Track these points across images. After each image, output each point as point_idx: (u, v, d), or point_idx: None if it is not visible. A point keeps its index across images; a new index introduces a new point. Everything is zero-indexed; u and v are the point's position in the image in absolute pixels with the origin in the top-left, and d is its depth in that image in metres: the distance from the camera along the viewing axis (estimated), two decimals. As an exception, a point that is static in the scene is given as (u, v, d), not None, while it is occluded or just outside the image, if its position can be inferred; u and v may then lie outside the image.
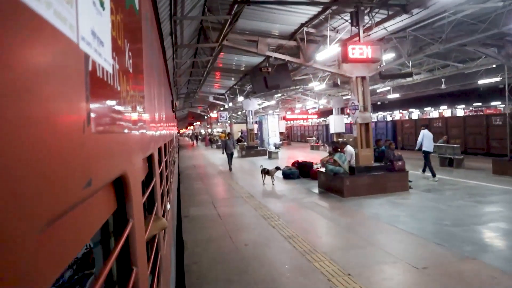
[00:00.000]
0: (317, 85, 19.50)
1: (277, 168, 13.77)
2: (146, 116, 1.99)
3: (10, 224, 0.45)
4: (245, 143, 28.46)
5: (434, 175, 12.67)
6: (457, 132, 21.77)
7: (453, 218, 7.82)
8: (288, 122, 47.28)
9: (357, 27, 7.32)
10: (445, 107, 48.23)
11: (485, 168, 15.04)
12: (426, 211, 8.51)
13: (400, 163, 10.99)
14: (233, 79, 22.02)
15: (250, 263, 5.88)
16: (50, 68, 0.59)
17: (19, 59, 0.49)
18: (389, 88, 22.59)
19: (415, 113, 55.55)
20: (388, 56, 13.37)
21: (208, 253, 6.47)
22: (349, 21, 8.25)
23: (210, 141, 45.21)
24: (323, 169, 13.45)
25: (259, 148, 28.10)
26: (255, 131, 30.27)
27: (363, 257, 5.85)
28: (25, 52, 0.51)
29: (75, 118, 0.70)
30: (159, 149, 3.41)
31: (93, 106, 0.81)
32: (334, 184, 10.99)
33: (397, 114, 57.26)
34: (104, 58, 0.93)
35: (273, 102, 29.97)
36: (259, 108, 32.26)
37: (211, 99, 29.49)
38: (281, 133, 34.91)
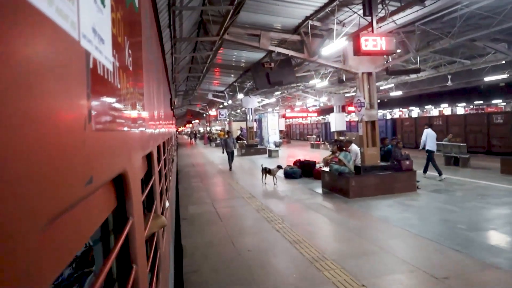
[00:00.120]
0: (319, 82, 19.06)
1: (279, 167, 13.33)
2: (145, 114, 1.99)
3: (12, 222, 0.46)
4: (245, 142, 28.01)
5: (440, 173, 12.30)
6: (457, 130, 21.47)
7: (467, 221, 7.40)
8: (287, 120, 46.86)
9: (370, 17, 6.86)
10: (445, 105, 47.74)
11: (492, 167, 14.66)
12: (438, 213, 8.09)
13: (407, 162, 10.56)
14: (232, 76, 21.55)
15: (254, 272, 5.44)
16: (51, 65, 0.59)
17: (21, 57, 0.49)
18: (392, 85, 22.12)
19: (415, 111, 55.15)
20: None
21: (209, 260, 6.03)
22: (358, 13, 7.82)
23: (209, 139, 44.74)
24: (326, 169, 13.05)
25: (258, 147, 27.65)
26: (255, 129, 29.79)
27: (376, 265, 5.42)
28: (27, 49, 0.51)
29: (76, 115, 0.70)
30: (158, 147, 3.37)
31: (94, 103, 0.81)
32: (339, 184, 10.56)
33: (396, 112, 56.88)
34: (104, 56, 0.94)
35: (273, 100, 29.51)
36: (259, 106, 31.77)
37: (210, 96, 29.01)
38: (280, 131, 34.47)
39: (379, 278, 4.99)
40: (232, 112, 43.41)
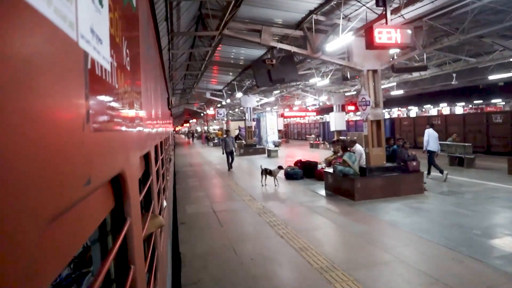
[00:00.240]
0: (319, 81, 18.62)
1: (280, 168, 12.91)
2: (143, 114, 1.99)
3: (11, 224, 0.45)
4: (243, 141, 27.57)
5: (441, 171, 12.05)
6: (456, 130, 21.26)
7: (482, 226, 6.99)
8: (285, 119, 46.43)
9: (383, 7, 6.41)
10: (444, 104, 47.50)
11: (497, 168, 14.31)
12: (450, 217, 7.67)
13: (414, 163, 10.16)
14: (231, 74, 21.08)
15: (258, 283, 5.01)
16: (50, 66, 0.59)
17: (19, 57, 0.49)
18: (393, 84, 21.70)
19: (413, 111, 54.89)
20: (397, 49, 12.53)
21: (209, 270, 5.59)
22: (366, 5, 7.39)
23: (206, 138, 44.28)
24: (329, 169, 12.63)
25: (257, 147, 27.20)
26: (253, 129, 29.31)
27: (392, 276, 5.00)
28: (25, 50, 0.51)
29: (74, 116, 0.70)
30: (156, 147, 3.37)
31: (92, 104, 0.82)
32: (343, 186, 10.14)
33: (395, 112, 56.55)
34: (102, 56, 0.94)
35: (272, 99, 29.05)
36: (258, 105, 31.32)
37: (208, 95, 28.53)
38: (279, 131, 34.03)
39: (396, 291, 4.57)
40: (230, 111, 42.92)
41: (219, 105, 34.48)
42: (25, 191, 0.49)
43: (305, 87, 24.95)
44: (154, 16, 5.21)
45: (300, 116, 46.68)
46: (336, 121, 27.43)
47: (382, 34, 6.52)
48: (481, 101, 43.29)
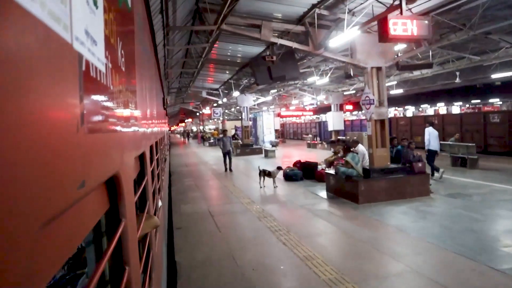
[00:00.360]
0: (318, 79, 18.21)
1: (279, 168, 12.48)
2: (138, 114, 1.98)
3: (5, 226, 0.46)
4: (240, 141, 27.11)
5: (437, 170, 11.88)
6: (454, 129, 21.15)
7: (496, 232, 6.62)
8: (281, 119, 46.01)
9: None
10: (442, 104, 47.31)
11: (502, 169, 14.00)
12: (460, 222, 7.28)
13: (420, 164, 9.77)
14: (227, 72, 20.60)
15: (262, 298, 4.57)
16: (44, 69, 0.59)
17: (13, 60, 0.49)
18: (394, 83, 21.31)
19: (409, 111, 54.66)
20: (401, 46, 12.15)
21: (208, 282, 5.15)
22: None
23: (202, 138, 43.77)
24: (330, 171, 12.22)
25: (254, 146, 26.76)
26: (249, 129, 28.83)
27: (407, 289, 4.59)
28: (19, 53, 0.50)
29: (69, 118, 0.70)
30: (151, 147, 3.32)
31: (86, 106, 0.81)
32: (346, 189, 9.73)
33: (391, 111, 56.31)
34: (97, 58, 0.93)
35: (269, 98, 28.59)
36: (254, 104, 30.87)
37: (204, 94, 28.02)
38: (276, 131, 33.60)
39: (414, 308, 4.15)
40: (226, 111, 42.43)
41: (215, 105, 34.00)
42: (19, 194, 0.49)
43: (303, 86, 24.54)
44: (148, 9, 4.83)
45: (297, 116, 46.27)
46: (334, 120, 27.06)
47: (397, 26, 6.08)
48: (478, 101, 43.04)
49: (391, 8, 6.16)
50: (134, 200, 1.69)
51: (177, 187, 13.28)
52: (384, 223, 7.51)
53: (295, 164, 14.52)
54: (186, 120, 68.94)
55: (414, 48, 12.42)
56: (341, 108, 27.90)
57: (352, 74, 11.95)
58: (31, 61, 0.54)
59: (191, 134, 61.39)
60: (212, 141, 38.48)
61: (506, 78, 17.62)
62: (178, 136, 77.70)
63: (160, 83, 9.68)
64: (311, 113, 42.30)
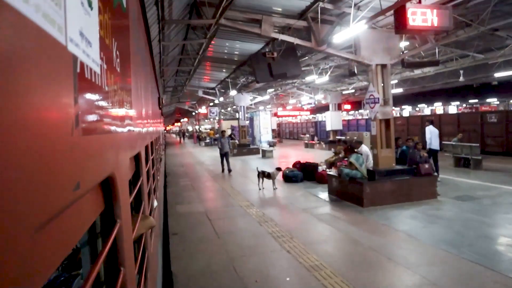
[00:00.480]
0: (317, 78, 17.79)
1: (278, 169, 12.06)
2: (133, 115, 1.96)
3: (0, 228, 0.46)
4: (236, 141, 26.65)
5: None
6: (451, 129, 21.02)
7: (514, 239, 6.22)
8: (278, 119, 45.60)
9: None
10: (439, 104, 47.12)
11: (505, 169, 13.69)
12: (473, 227, 6.88)
13: (427, 166, 9.38)
14: (224, 70, 20.13)
15: (268, 316, 4.13)
16: (38, 71, 0.59)
17: (7, 62, 0.49)
18: (395, 81, 20.92)
19: (406, 110, 54.44)
20: (405, 43, 11.77)
21: (207, 297, 4.71)
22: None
23: (198, 138, 43.26)
24: (331, 172, 11.81)
25: (251, 147, 26.32)
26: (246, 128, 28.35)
27: (427, 306, 4.16)
28: (13, 55, 0.50)
29: (63, 120, 0.70)
30: (146, 147, 3.30)
31: (81, 108, 0.81)
32: (350, 191, 9.31)
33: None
34: (92, 59, 0.93)
35: (266, 97, 28.14)
36: (251, 104, 30.40)
37: (200, 93, 27.51)
38: (273, 131, 33.17)
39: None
40: (222, 110, 41.94)
41: (211, 104, 33.51)
42: (14, 196, 0.49)
43: (300, 85, 24.12)
44: (142, 1, 4.48)
45: (294, 116, 45.88)
46: (332, 120, 26.68)
47: (417, 16, 5.63)
48: (476, 100, 42.87)
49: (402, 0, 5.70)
50: (129, 200, 1.66)
51: (173, 189, 12.81)
52: (393, 228, 7.10)
53: (294, 164, 14.09)
54: (181, 120, 68.36)
55: (417, 45, 12.06)
56: (339, 107, 27.53)
57: (356, 71, 11.52)
58: (25, 64, 0.53)
59: (186, 134, 60.85)
60: (208, 141, 38.02)
61: (509, 77, 17.28)
62: (174, 135, 77.12)
63: (155, 82, 9.48)
64: (308, 112, 41.92)
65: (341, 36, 8.38)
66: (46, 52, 0.62)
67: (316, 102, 30.08)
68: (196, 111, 43.97)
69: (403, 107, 53.10)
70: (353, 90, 25.04)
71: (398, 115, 49.62)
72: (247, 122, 28.04)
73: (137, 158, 2.33)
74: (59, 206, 0.66)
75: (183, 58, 14.37)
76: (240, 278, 5.16)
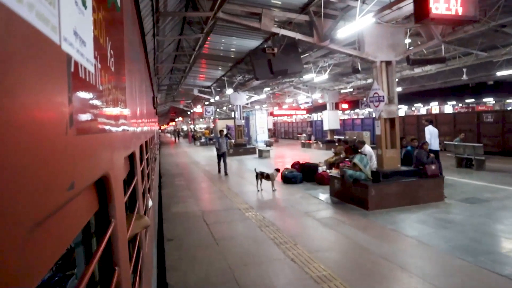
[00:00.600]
0: (316, 76, 17.38)
1: (277, 170, 11.65)
2: (127, 114, 1.96)
3: None
4: (232, 141, 26.19)
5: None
6: (447, 129, 20.84)
7: (532, 245, 5.83)
8: (274, 118, 45.18)
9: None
10: (435, 103, 46.99)
11: (509, 170, 13.34)
12: (488, 233, 6.51)
13: (433, 167, 8.99)
14: (220, 68, 19.65)
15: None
16: (32, 70, 0.59)
17: (1, 62, 0.49)
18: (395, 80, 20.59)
19: (401, 110, 54.32)
20: (407, 40, 11.37)
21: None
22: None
23: (193, 137, 42.74)
24: (330, 172, 11.43)
25: (248, 146, 25.89)
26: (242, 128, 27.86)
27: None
28: (6, 54, 0.50)
29: (57, 120, 0.70)
30: (141, 147, 3.29)
31: (75, 107, 0.81)
32: (354, 193, 8.91)
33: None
34: (86, 58, 0.93)
35: (263, 96, 27.68)
36: (247, 103, 29.94)
37: (195, 92, 27.00)
38: (269, 130, 32.75)
39: None
40: (217, 109, 41.43)
41: (207, 103, 33.00)
42: (8, 196, 0.48)
43: (297, 84, 23.70)
44: None
45: (290, 115, 45.51)
46: (329, 119, 26.30)
47: (440, 3, 5.19)
48: (472, 100, 42.75)
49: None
50: (124, 200, 1.66)
51: (168, 191, 12.34)
52: (402, 233, 6.70)
53: (293, 165, 13.66)
54: (176, 119, 67.76)
55: (419, 43, 11.69)
56: (336, 107, 27.16)
57: (360, 68, 11.10)
58: (19, 63, 0.53)
59: (181, 133, 60.32)
60: (203, 140, 37.54)
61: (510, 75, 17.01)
62: (169, 135, 76.51)
63: (150, 80, 9.22)
64: (304, 112, 41.55)
65: (345, 30, 7.97)
66: (40, 52, 0.62)
67: (312, 101, 29.65)
68: (191, 110, 43.43)
69: (399, 106, 52.98)
70: (351, 89, 24.64)
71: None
72: (243, 121, 27.58)
73: (131, 157, 2.32)
74: (54, 206, 0.65)
75: (178, 55, 13.88)
76: (242, 291, 4.72)
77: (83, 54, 0.89)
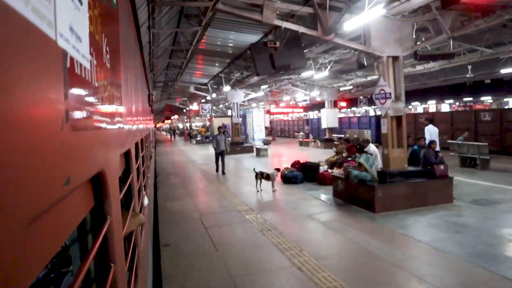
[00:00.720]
0: (316, 74, 16.95)
1: (277, 170, 11.24)
2: (123, 112, 1.98)
3: None
4: (229, 139, 25.71)
5: None
6: (444, 128, 20.57)
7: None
8: (270, 116, 44.74)
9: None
10: (433, 102, 46.78)
11: (513, 170, 13.02)
12: (507, 239, 6.12)
13: (442, 167, 8.61)
14: (217, 64, 19.16)
15: None
16: (28, 66, 0.58)
17: None
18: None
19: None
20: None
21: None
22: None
23: (189, 136, 42.22)
24: (330, 171, 11.04)
25: (245, 145, 25.44)
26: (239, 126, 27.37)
27: None
28: (2, 50, 0.50)
29: (53, 116, 0.70)
30: (136, 144, 3.28)
31: (71, 103, 0.81)
32: (359, 195, 8.50)
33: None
34: (82, 54, 0.93)
35: (260, 94, 27.21)
36: (244, 101, 29.46)
37: (192, 89, 26.48)
38: (266, 128, 32.30)
39: None
40: (214, 107, 40.91)
41: (203, 100, 32.47)
42: (4, 191, 0.48)
43: (296, 81, 23.26)
44: None
45: (287, 113, 45.11)
46: (328, 117, 25.88)
47: None
48: (470, 99, 42.56)
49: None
50: (120, 197, 1.65)
51: (164, 191, 11.88)
52: (414, 238, 6.29)
53: (293, 164, 13.22)
54: (172, 117, 67.16)
55: (423, 39, 11.29)
56: (335, 105, 26.75)
57: (365, 63, 10.69)
58: (14, 59, 0.52)
59: (177, 132, 59.80)
60: (199, 138, 37.05)
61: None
62: (164, 133, 75.93)
63: (145, 77, 8.93)
64: (301, 110, 41.14)
65: (353, 23, 7.54)
66: (36, 47, 0.61)
67: (311, 99, 29.22)
68: (187, 108, 42.89)
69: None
70: (350, 87, 24.23)
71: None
72: (240, 119, 27.12)
73: (127, 155, 2.32)
74: (50, 201, 0.65)
75: (174, 50, 13.39)
76: (247, 305, 4.29)
77: (79, 50, 0.89)
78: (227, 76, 20.89)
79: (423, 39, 11.06)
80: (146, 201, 3.92)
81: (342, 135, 20.67)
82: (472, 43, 13.07)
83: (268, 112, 38.51)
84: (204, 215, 8.50)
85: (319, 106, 32.05)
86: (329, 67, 15.96)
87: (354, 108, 48.99)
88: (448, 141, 15.79)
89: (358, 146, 9.26)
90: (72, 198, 0.84)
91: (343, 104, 30.11)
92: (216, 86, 25.20)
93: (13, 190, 0.51)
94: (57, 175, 0.70)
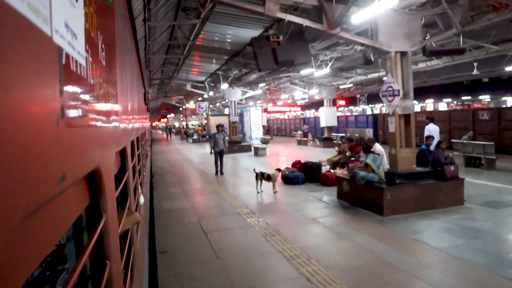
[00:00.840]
0: (316, 71, 16.53)
1: (279, 170, 10.83)
2: (119, 110, 1.97)
3: None
4: (227, 137, 25.25)
5: None
6: (442, 126, 20.22)
7: None
8: (268, 115, 44.32)
9: None
10: (431, 100, 46.55)
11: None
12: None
13: (452, 168, 8.22)
14: (214, 61, 18.69)
15: None
16: (23, 62, 0.58)
17: None
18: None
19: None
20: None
21: None
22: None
23: (185, 134, 41.73)
24: (332, 171, 10.65)
25: (242, 144, 25.00)
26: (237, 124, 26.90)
27: None
28: None
29: (48, 112, 0.69)
30: (132, 142, 3.27)
31: (66, 100, 0.80)
32: (366, 197, 8.10)
33: (378, 108, 55.22)
34: (77, 51, 0.92)
35: (258, 92, 26.75)
36: (242, 99, 29.00)
37: (188, 87, 25.97)
38: (263, 127, 31.86)
39: None
40: (210, 106, 40.42)
41: (200, 99, 31.97)
42: None
43: (294, 79, 22.83)
44: None
45: (285, 111, 44.69)
46: (327, 116, 25.49)
47: None
48: (469, 97, 42.36)
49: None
50: (115, 195, 1.65)
51: (160, 192, 11.42)
52: (429, 245, 5.88)
53: (294, 164, 12.80)
54: (168, 116, 66.58)
55: (428, 36, 10.89)
56: (334, 103, 26.36)
57: (372, 58, 10.27)
58: (9, 55, 0.52)
59: (173, 130, 59.28)
60: (195, 137, 36.60)
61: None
62: (160, 132, 75.36)
63: (141, 74, 8.63)
64: (299, 108, 40.72)
65: (361, 15, 7.11)
66: (31, 43, 0.60)
67: (309, 98, 28.82)
68: (184, 106, 42.35)
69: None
70: (350, 85, 23.84)
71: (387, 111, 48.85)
72: (237, 118, 26.67)
73: (122, 153, 2.31)
74: (45, 197, 0.64)
75: (171, 45, 12.91)
76: (253, 323, 3.87)
77: (75, 46, 0.88)
78: (224, 74, 20.43)
79: (428, 36, 10.67)
80: (142, 199, 3.90)
81: (344, 134, 20.29)
82: (478, 39, 12.69)
83: (266, 110, 38.04)
84: (203, 219, 8.06)
85: (317, 104, 31.64)
86: (330, 64, 15.54)
87: (351, 107, 48.67)
88: (453, 140, 15.43)
89: (364, 146, 8.84)
90: (68, 194, 0.84)
91: (342, 102, 29.71)
92: (213, 84, 24.72)
93: (9, 184, 0.50)
94: (52, 171, 0.69)
